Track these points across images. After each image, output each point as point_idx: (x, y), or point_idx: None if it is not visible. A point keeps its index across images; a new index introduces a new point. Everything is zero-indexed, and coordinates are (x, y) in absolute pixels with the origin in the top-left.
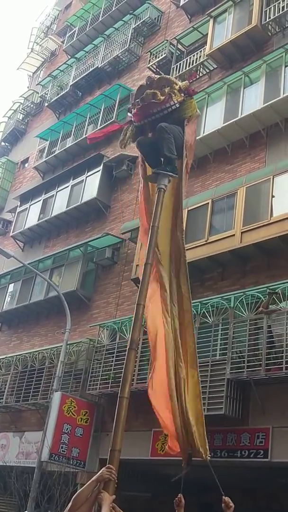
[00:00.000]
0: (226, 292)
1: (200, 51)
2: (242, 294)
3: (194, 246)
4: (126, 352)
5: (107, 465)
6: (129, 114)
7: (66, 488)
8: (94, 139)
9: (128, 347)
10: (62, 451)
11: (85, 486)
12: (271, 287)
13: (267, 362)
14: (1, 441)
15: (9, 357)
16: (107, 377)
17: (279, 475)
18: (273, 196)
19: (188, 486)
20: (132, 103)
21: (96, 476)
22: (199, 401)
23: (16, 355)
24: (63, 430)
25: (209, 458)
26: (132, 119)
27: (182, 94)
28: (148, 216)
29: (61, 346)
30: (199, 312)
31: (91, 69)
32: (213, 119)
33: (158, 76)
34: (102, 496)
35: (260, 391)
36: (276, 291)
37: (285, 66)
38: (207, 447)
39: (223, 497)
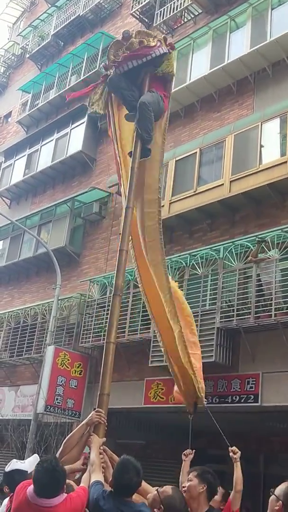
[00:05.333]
0: (215, 243)
1: None
2: (231, 244)
3: (182, 197)
4: (111, 299)
5: (96, 409)
6: (103, 71)
7: (62, 438)
8: (72, 96)
9: (112, 293)
10: (57, 402)
11: (75, 430)
12: (260, 236)
13: (256, 310)
14: None
15: (1, 314)
16: (99, 330)
17: (268, 419)
18: (262, 146)
19: (182, 433)
20: (110, 55)
21: (86, 420)
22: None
23: (8, 312)
24: (58, 382)
25: (205, 403)
26: (114, 67)
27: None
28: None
29: (53, 301)
30: (188, 264)
31: (72, 18)
32: (199, 65)
33: (137, 30)
34: (91, 438)
35: (249, 338)
36: (265, 239)
37: (272, 9)
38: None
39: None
